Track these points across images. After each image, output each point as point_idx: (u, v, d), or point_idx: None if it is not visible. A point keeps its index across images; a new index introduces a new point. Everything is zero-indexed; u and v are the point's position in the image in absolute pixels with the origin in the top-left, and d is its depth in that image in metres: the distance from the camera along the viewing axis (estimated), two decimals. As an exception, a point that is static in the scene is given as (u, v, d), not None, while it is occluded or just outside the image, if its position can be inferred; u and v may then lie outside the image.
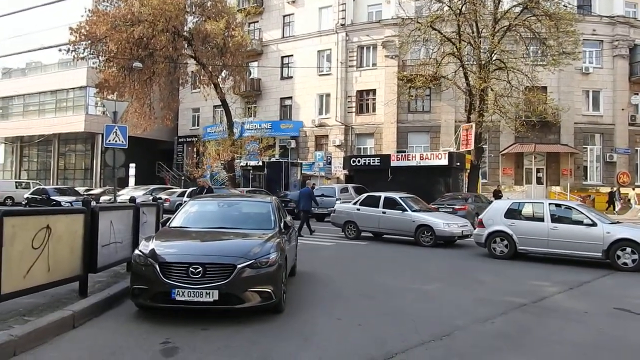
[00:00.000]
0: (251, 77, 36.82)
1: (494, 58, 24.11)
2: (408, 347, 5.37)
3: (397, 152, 27.18)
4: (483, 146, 26.18)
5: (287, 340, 5.60)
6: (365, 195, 16.34)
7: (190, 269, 6.02)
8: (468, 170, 25.69)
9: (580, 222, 11.20)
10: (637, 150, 34.36)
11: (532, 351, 5.50)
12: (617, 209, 28.53)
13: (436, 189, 24.26)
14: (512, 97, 24.83)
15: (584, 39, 26.01)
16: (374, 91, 34.59)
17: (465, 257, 12.54)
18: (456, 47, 23.62)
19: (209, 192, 14.25)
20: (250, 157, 29.86)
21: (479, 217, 12.91)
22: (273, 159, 30.13)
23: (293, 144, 35.98)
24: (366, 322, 6.42)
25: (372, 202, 15.62)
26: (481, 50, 23.95)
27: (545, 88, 28.02)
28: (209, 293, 5.97)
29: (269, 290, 6.27)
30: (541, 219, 11.64)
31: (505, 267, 11.01)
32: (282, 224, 7.83)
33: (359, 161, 27.19)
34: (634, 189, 29.78)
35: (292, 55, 37.10)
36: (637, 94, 34.24)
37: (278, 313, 6.54)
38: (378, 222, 15.24)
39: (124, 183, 29.91)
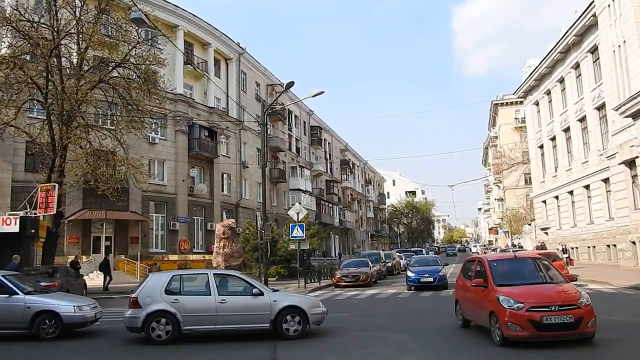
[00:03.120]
0: None
1: (77, 115, 21.53)
2: None
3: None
4: (63, 210, 22.66)
5: None
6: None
7: None
8: (43, 239, 21.63)
9: (247, 292, 10.55)
10: (194, 219, 37.16)
11: None
12: None
13: (5, 263, 19.24)
14: (97, 157, 22.71)
15: (150, 110, 25.82)
16: None
17: (118, 350, 9.87)
18: (42, 93, 20.04)
19: None
20: None
21: (132, 295, 10.50)
22: None
23: None
24: None
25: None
26: (64, 103, 20.97)
27: (114, 152, 25.72)
28: None
29: None
30: (207, 293, 10.39)
31: (180, 356, 9.17)
32: None
33: None
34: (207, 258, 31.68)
35: None
36: (194, 168, 37.49)
37: None
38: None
39: None
